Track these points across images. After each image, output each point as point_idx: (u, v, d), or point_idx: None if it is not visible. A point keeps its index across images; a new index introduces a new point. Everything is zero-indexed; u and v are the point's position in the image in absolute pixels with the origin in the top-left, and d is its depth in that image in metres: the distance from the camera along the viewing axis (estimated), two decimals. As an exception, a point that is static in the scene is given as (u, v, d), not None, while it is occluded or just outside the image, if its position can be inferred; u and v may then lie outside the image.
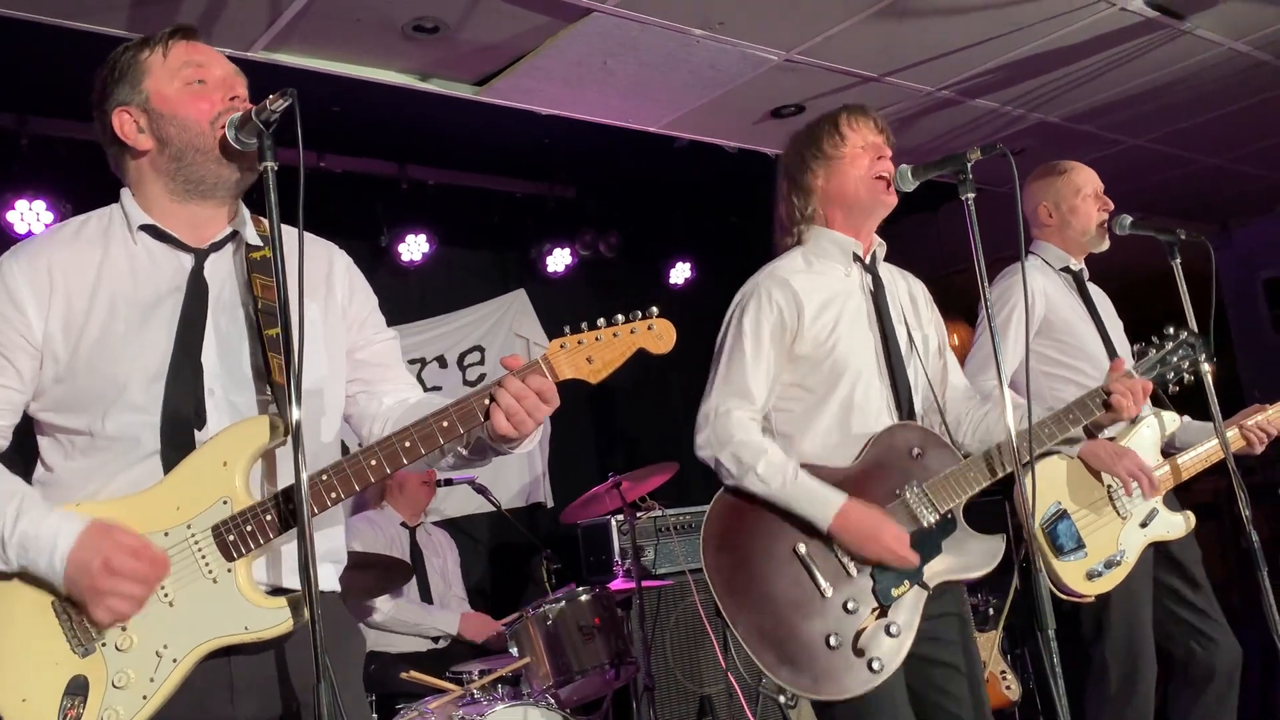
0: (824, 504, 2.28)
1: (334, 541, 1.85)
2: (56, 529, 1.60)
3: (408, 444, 1.68)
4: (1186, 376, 2.63)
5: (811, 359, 2.42)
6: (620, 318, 1.77)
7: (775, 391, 2.44)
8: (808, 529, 2.32)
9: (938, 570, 2.33)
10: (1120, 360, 2.71)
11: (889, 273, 2.61)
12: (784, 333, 2.41)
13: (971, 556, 2.36)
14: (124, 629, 1.61)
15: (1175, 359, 2.59)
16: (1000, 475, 2.41)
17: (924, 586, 2.31)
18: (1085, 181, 3.21)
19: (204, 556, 1.64)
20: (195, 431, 1.69)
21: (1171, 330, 2.64)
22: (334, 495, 1.67)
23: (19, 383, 1.71)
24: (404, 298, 5.53)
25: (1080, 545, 2.81)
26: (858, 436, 2.40)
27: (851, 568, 2.30)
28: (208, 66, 1.79)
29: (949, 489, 2.36)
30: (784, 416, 2.47)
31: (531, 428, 1.70)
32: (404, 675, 3.45)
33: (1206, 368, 2.64)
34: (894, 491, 2.36)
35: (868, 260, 2.54)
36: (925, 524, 2.33)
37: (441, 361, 5.72)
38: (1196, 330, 2.70)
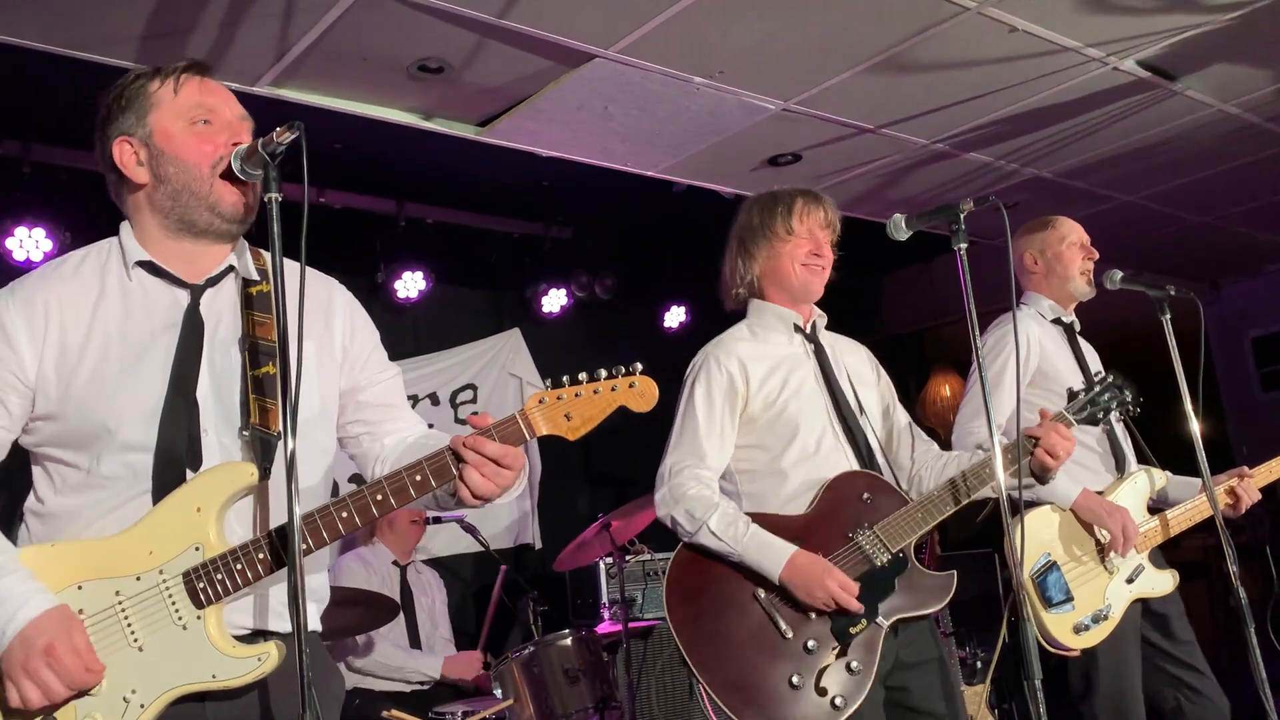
0: (774, 555, 2.37)
1: (317, 580, 1.84)
2: (26, 599, 1.57)
3: (379, 497, 1.66)
4: (1116, 413, 2.71)
5: (764, 419, 2.54)
6: (603, 373, 1.72)
7: (729, 453, 2.55)
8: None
9: (892, 607, 2.41)
10: (1045, 409, 2.71)
11: (831, 339, 2.74)
12: (735, 396, 2.54)
13: (923, 594, 2.44)
14: None
15: (1104, 399, 2.66)
16: (964, 503, 2.49)
17: (879, 625, 2.37)
18: (1070, 231, 3.28)
19: (174, 603, 1.62)
20: (189, 471, 1.67)
21: (1098, 374, 2.73)
22: (304, 548, 1.62)
23: (8, 421, 1.69)
24: (399, 334, 5.54)
25: (1069, 598, 2.81)
26: (817, 484, 2.49)
27: (810, 610, 2.36)
28: (218, 109, 1.78)
29: (900, 529, 2.45)
30: (748, 476, 2.57)
31: (498, 492, 1.68)
32: (385, 714, 3.41)
33: (1130, 409, 2.73)
34: (846, 534, 2.44)
35: (808, 330, 2.66)
36: (878, 563, 2.41)
37: (434, 399, 5.73)
38: (1111, 377, 2.76)
